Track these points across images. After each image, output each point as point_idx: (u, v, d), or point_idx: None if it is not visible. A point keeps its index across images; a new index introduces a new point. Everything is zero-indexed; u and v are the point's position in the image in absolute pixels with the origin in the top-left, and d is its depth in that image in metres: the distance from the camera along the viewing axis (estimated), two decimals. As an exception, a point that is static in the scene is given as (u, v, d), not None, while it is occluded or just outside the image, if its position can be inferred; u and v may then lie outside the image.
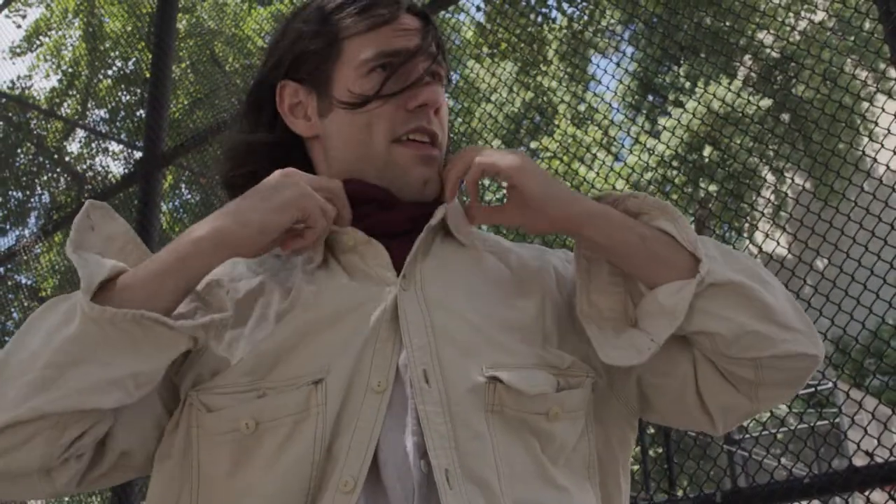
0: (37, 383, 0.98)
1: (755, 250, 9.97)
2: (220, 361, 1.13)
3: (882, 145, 3.39)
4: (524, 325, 1.19)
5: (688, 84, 9.44)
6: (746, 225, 9.17)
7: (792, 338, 1.13)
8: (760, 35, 6.61)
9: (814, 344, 1.15)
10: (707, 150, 8.84)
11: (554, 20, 8.75)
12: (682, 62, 9.46)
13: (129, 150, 9.55)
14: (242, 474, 1.06)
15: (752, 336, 1.11)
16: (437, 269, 1.22)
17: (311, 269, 1.22)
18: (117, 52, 8.94)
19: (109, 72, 9.83)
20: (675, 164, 8.28)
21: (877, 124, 3.49)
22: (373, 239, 1.20)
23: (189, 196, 9.89)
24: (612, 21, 8.62)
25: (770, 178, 8.98)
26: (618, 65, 6.38)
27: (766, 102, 7.61)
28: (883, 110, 3.58)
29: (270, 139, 1.32)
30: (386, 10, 1.28)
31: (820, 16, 7.54)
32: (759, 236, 9.44)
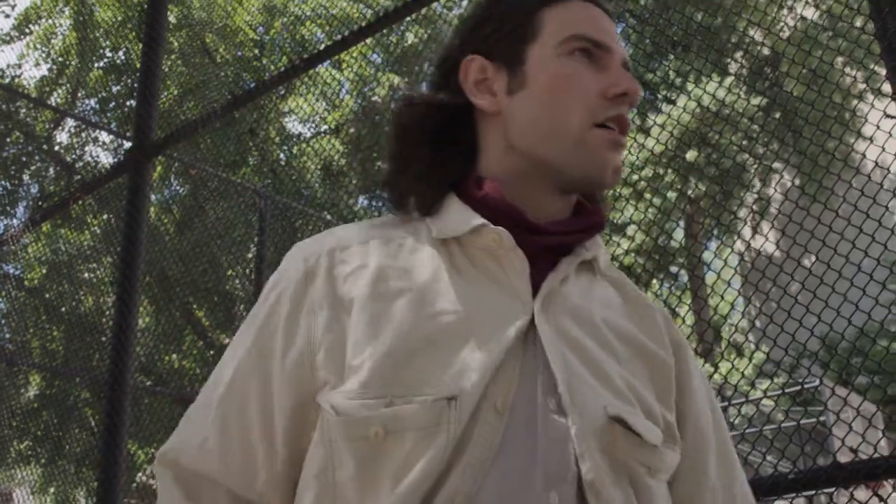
0: None
1: (743, 247, 10.01)
2: (346, 366, 1.11)
3: (871, 141, 3.40)
4: (636, 379, 1.18)
5: (678, 80, 9.45)
6: (737, 222, 9.20)
7: None
8: (752, 32, 6.62)
9: None
10: (696, 149, 8.87)
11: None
12: (673, 58, 9.47)
13: (119, 140, 9.52)
14: (368, 481, 1.05)
15: None
16: (573, 301, 1.19)
17: (436, 263, 1.19)
18: (108, 42, 8.90)
19: (100, 63, 9.78)
20: (664, 160, 8.29)
21: (866, 120, 3.50)
22: (519, 249, 1.16)
23: (179, 187, 9.87)
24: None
25: (760, 174, 9.01)
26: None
27: (756, 100, 7.63)
28: (872, 106, 3.59)
29: (447, 99, 1.28)
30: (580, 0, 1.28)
31: (811, 12, 7.55)
32: (747, 233, 9.47)
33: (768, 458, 3.50)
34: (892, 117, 3.24)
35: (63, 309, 8.06)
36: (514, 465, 1.04)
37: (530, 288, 1.15)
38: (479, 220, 1.18)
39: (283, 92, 7.21)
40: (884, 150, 3.26)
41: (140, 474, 8.88)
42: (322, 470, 1.09)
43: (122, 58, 9.38)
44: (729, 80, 7.73)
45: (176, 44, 7.54)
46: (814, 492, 2.94)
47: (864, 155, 3.39)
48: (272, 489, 1.17)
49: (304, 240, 1.29)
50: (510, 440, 1.05)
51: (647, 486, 1.11)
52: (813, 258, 3.42)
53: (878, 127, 3.33)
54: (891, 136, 3.14)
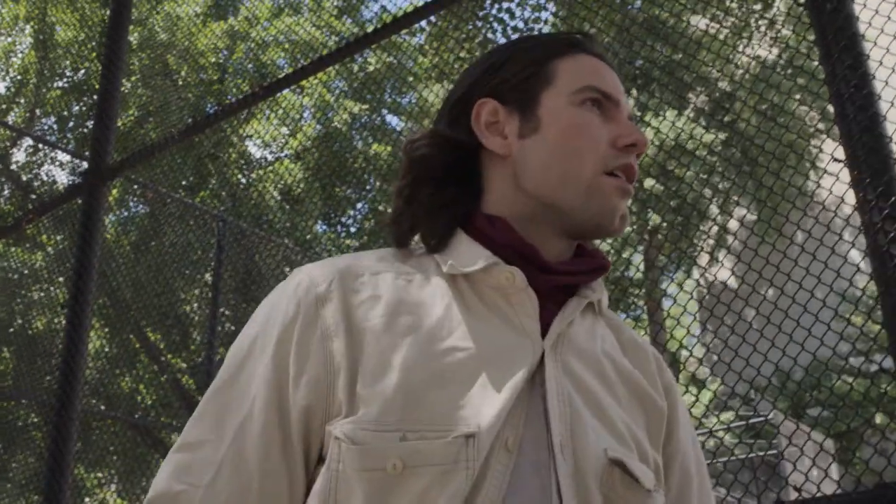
0: None
1: (698, 284, 10.10)
2: (362, 399, 1.10)
3: (818, 184, 3.47)
4: (633, 422, 1.21)
5: (638, 114, 9.58)
6: (693, 258, 9.29)
7: None
8: (709, 69, 6.72)
9: None
10: (654, 181, 8.99)
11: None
12: (634, 94, 9.59)
13: (77, 161, 9.42)
14: None
15: None
16: (579, 341, 1.22)
17: (447, 299, 1.20)
18: (68, 62, 8.84)
19: (60, 82, 9.69)
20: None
21: (814, 165, 3.57)
22: (530, 288, 1.18)
23: (137, 209, 9.78)
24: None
25: (714, 209, 9.12)
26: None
27: (709, 137, 7.74)
28: (820, 150, 3.66)
29: (459, 137, 1.30)
30: (591, 55, 1.32)
31: (766, 53, 7.70)
32: (704, 269, 9.56)
33: (720, 490, 3.52)
34: (839, 160, 3.31)
35: (11, 330, 7.92)
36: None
37: (539, 327, 1.17)
38: (492, 258, 1.20)
39: (244, 116, 7.20)
40: (831, 192, 3.32)
41: (88, 499, 8.72)
42: (323, 501, 1.09)
43: (83, 77, 9.29)
44: (687, 114, 7.85)
45: (137, 65, 7.49)
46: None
47: (811, 197, 3.45)
48: None
49: (306, 265, 1.28)
50: (518, 479, 1.07)
51: None
52: (763, 299, 3.47)
53: (825, 171, 3.39)
54: (838, 179, 3.20)
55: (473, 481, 1.04)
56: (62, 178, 10.40)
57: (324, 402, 1.13)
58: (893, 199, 2.73)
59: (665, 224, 9.17)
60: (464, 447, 1.05)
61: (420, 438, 1.06)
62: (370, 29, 4.44)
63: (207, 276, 7.25)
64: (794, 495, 2.83)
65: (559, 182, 1.24)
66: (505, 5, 8.77)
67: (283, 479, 1.14)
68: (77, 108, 9.90)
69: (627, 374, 1.25)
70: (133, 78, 7.37)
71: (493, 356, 1.13)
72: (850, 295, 3.19)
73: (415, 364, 1.11)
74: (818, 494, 2.79)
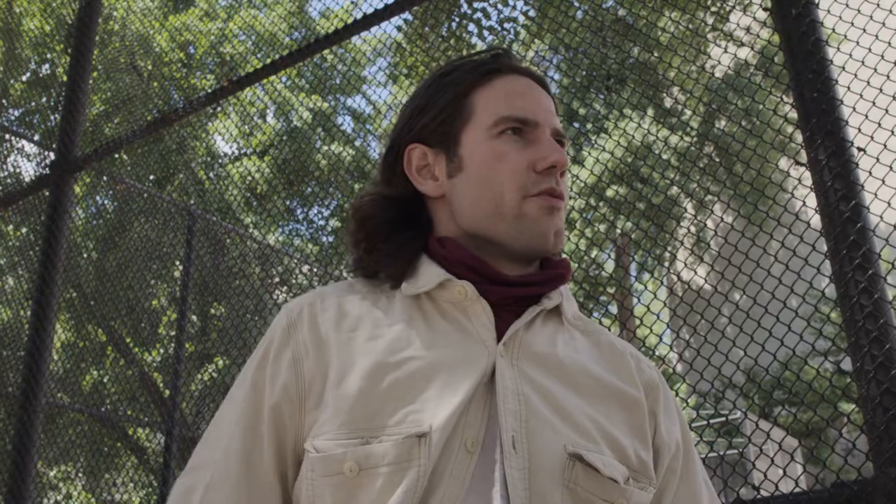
0: None
1: (671, 280, 10.14)
2: (328, 409, 1.19)
3: (799, 181, 3.47)
4: (606, 419, 1.25)
5: (615, 113, 9.61)
6: (668, 254, 9.32)
7: None
8: (686, 68, 6.75)
9: None
10: (630, 183, 9.01)
11: (475, 46, 8.82)
12: (609, 92, 9.61)
13: (45, 153, 9.30)
14: None
15: None
16: (536, 346, 1.27)
17: (407, 315, 1.28)
18: (31, 53, 8.74)
19: (26, 75, 9.57)
20: (597, 192, 8.39)
21: (796, 161, 3.57)
22: (483, 299, 1.26)
23: (105, 204, 9.66)
24: (542, 47, 8.73)
25: (691, 209, 9.15)
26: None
27: (674, 139, 7.76)
28: (801, 147, 3.68)
29: (397, 193, 1.39)
30: (510, 75, 1.39)
31: (744, 53, 7.73)
32: (678, 266, 9.59)
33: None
34: (802, 164, 3.33)
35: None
36: (481, 502, 1.12)
37: (495, 335, 1.25)
38: (444, 275, 1.28)
39: (211, 112, 7.15)
40: (792, 195, 3.34)
41: (52, 493, 8.63)
42: (306, 499, 1.18)
43: (48, 70, 9.19)
44: (651, 116, 7.87)
45: (102, 58, 7.42)
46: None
47: (791, 194, 3.46)
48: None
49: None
50: (478, 477, 1.14)
51: None
52: (736, 308, 3.47)
53: (806, 167, 3.39)
54: (799, 182, 3.22)
55: (428, 479, 1.11)
56: (29, 170, 10.27)
57: (295, 419, 1.23)
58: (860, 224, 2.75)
59: (636, 229, 9.21)
60: (416, 446, 1.12)
61: (379, 442, 1.14)
62: (333, 29, 4.40)
63: (176, 273, 7.20)
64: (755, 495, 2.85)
65: (487, 216, 1.31)
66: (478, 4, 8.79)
67: (263, 494, 1.25)
68: (44, 100, 9.79)
69: (597, 374, 1.30)
70: (94, 74, 7.28)
71: (449, 363, 1.20)
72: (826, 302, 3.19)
73: (375, 373, 1.19)
74: (776, 493, 2.82)
